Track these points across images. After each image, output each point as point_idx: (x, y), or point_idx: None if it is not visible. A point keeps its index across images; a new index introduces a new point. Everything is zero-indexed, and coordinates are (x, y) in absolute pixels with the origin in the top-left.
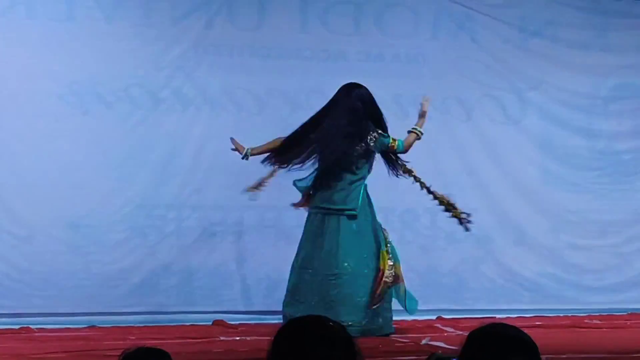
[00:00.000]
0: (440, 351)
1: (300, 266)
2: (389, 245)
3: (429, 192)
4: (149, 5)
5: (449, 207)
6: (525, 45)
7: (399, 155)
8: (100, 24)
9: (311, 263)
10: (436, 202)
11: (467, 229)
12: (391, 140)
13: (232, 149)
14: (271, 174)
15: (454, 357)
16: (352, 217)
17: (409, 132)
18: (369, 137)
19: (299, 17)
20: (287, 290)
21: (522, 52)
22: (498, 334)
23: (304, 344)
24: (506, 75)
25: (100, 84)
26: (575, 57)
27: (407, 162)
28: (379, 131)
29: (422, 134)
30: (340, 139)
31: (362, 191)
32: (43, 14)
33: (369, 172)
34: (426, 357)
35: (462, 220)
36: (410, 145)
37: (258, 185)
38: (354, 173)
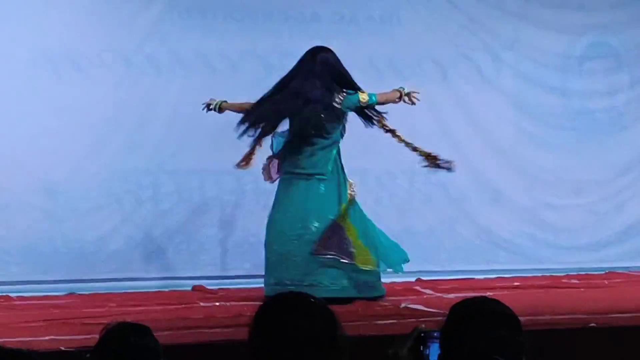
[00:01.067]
0: (423, 325)
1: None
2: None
3: (413, 149)
4: None
5: (430, 159)
6: (500, 4)
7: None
8: None
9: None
10: (419, 156)
11: (450, 169)
12: (360, 96)
13: (205, 109)
14: (253, 148)
15: (436, 330)
16: (321, 180)
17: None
18: (335, 100)
19: None
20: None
21: (496, 11)
22: (480, 308)
23: (286, 321)
24: (481, 35)
25: (73, 49)
26: (550, 16)
27: (384, 113)
28: (346, 90)
29: (405, 94)
30: (307, 104)
31: (333, 154)
32: None
33: (342, 135)
34: (406, 320)
35: (443, 166)
36: (387, 99)
37: (246, 160)
38: (324, 137)
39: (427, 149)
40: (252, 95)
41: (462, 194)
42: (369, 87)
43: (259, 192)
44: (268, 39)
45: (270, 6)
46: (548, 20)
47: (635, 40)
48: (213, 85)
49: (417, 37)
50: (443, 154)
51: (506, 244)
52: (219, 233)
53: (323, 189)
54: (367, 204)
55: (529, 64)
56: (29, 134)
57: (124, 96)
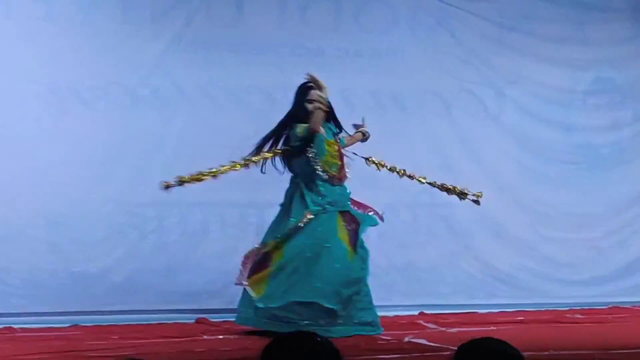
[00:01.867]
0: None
1: None
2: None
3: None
4: (127, 3)
5: (459, 194)
6: (503, 40)
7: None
8: (78, 23)
9: None
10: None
11: (477, 203)
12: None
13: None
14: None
15: None
16: None
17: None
18: None
19: (277, 13)
20: None
21: (499, 47)
22: (487, 349)
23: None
24: (484, 70)
25: (79, 83)
26: (553, 51)
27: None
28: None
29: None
30: None
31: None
32: (21, 14)
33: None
34: (409, 354)
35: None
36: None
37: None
38: None
39: (427, 191)
40: (255, 128)
41: (465, 228)
42: (370, 121)
43: (262, 224)
44: (272, 72)
45: (275, 40)
46: (551, 56)
47: (639, 75)
48: (217, 118)
49: (421, 71)
50: None
51: (509, 279)
52: (223, 265)
53: None
54: (370, 238)
55: (533, 99)
56: (33, 166)
57: (129, 129)
